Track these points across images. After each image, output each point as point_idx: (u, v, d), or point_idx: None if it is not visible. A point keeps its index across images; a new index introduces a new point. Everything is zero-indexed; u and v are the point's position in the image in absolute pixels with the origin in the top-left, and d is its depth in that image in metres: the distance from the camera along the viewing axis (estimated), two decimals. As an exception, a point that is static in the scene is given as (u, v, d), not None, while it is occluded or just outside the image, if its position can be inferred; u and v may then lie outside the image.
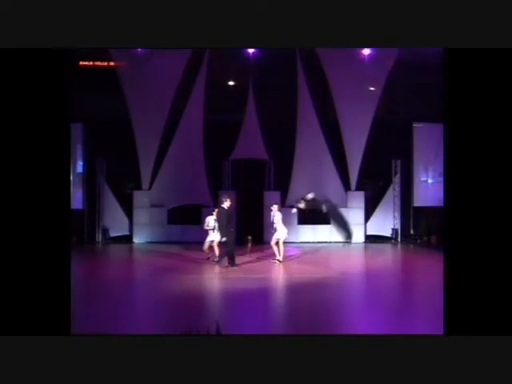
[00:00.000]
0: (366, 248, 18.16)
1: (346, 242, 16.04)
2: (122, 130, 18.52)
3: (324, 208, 15.24)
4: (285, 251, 14.25)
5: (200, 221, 18.76)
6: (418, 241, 18.89)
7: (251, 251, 15.10)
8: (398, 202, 19.50)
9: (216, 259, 13.81)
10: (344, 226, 15.43)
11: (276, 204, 14.89)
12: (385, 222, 19.47)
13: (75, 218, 17.35)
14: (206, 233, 14.33)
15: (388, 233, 19.46)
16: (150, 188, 19.24)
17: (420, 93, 17.20)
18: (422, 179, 19.51)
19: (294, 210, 16.14)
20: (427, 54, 14.14)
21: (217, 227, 13.81)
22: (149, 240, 18.98)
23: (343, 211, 17.01)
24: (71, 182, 17.19)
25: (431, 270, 12.77)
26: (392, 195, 19.49)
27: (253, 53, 17.98)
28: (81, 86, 14.63)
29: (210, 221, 14.18)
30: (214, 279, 12.21)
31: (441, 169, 17.62)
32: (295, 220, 18.20)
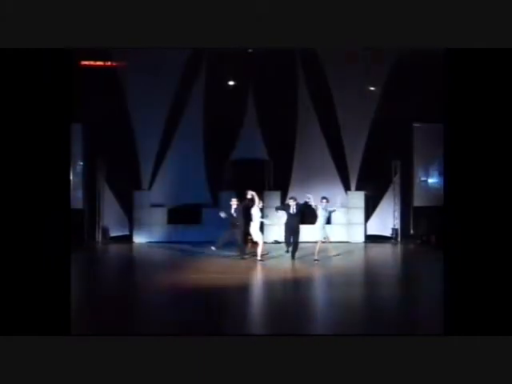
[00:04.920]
0: (365, 248, 18.17)
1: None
2: (122, 129, 18.52)
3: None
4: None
5: (200, 220, 18.93)
6: (418, 241, 18.88)
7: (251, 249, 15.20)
8: (398, 201, 19.51)
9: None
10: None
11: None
12: (385, 222, 19.48)
13: (75, 217, 17.29)
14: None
15: (388, 233, 19.47)
16: (150, 188, 19.24)
17: (420, 93, 17.19)
18: (422, 179, 19.51)
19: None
20: (427, 54, 14.14)
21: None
22: (149, 240, 18.98)
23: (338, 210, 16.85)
24: (71, 182, 17.15)
25: (431, 270, 12.79)
26: (392, 195, 19.50)
27: (253, 53, 17.94)
28: (81, 86, 14.63)
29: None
30: (215, 278, 12.20)
31: (441, 169, 17.62)
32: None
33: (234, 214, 14.47)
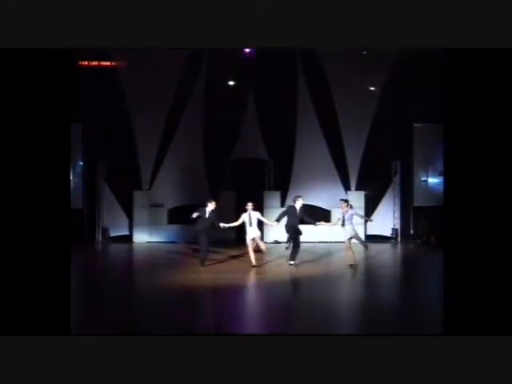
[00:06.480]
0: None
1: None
2: (121, 130, 18.53)
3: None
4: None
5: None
6: (419, 241, 18.90)
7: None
8: (398, 201, 19.53)
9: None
10: None
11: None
12: (385, 222, 19.47)
13: (75, 217, 17.32)
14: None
15: (388, 233, 19.48)
16: (150, 188, 19.25)
17: (420, 93, 17.20)
18: (422, 179, 19.52)
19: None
20: (427, 54, 14.12)
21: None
22: (148, 240, 18.99)
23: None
24: (71, 182, 17.15)
25: (431, 270, 12.81)
26: (392, 195, 19.51)
27: (253, 53, 17.94)
28: (81, 86, 14.61)
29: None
30: (214, 278, 12.19)
31: (441, 169, 17.62)
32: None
33: (207, 216, 13.50)
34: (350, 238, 13.45)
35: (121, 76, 18.48)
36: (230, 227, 13.86)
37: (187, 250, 16.47)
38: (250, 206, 13.64)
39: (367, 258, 15.88)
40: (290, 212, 13.45)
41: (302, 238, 13.90)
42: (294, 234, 13.50)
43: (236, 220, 13.84)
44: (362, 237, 18.96)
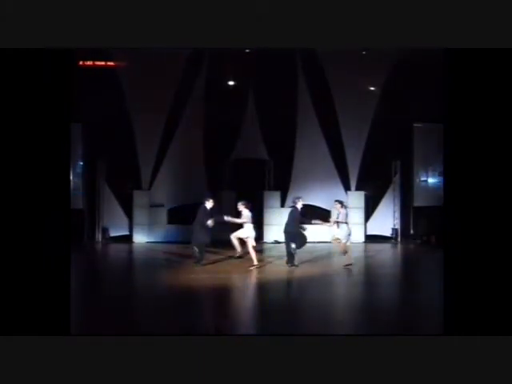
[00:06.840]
0: (365, 248, 18.16)
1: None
2: (121, 130, 18.54)
3: None
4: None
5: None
6: (419, 241, 18.90)
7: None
8: (397, 201, 19.54)
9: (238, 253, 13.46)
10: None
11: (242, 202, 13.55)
12: (385, 222, 19.48)
13: (75, 217, 17.30)
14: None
15: (388, 233, 19.49)
16: (149, 188, 19.26)
17: (420, 93, 17.20)
18: (422, 179, 19.53)
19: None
20: (427, 54, 14.12)
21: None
22: (148, 240, 19.00)
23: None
24: (71, 182, 17.13)
25: (430, 270, 12.82)
26: (392, 195, 19.51)
27: (253, 53, 17.91)
28: (81, 86, 14.59)
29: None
30: (213, 278, 12.19)
31: (441, 169, 17.63)
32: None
33: (207, 213, 13.18)
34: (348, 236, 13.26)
35: (121, 76, 18.49)
36: (233, 222, 13.51)
37: (187, 250, 16.47)
38: (239, 205, 13.35)
39: (367, 257, 15.91)
40: (295, 214, 13.15)
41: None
42: (295, 236, 13.12)
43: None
44: (362, 237, 19.11)
